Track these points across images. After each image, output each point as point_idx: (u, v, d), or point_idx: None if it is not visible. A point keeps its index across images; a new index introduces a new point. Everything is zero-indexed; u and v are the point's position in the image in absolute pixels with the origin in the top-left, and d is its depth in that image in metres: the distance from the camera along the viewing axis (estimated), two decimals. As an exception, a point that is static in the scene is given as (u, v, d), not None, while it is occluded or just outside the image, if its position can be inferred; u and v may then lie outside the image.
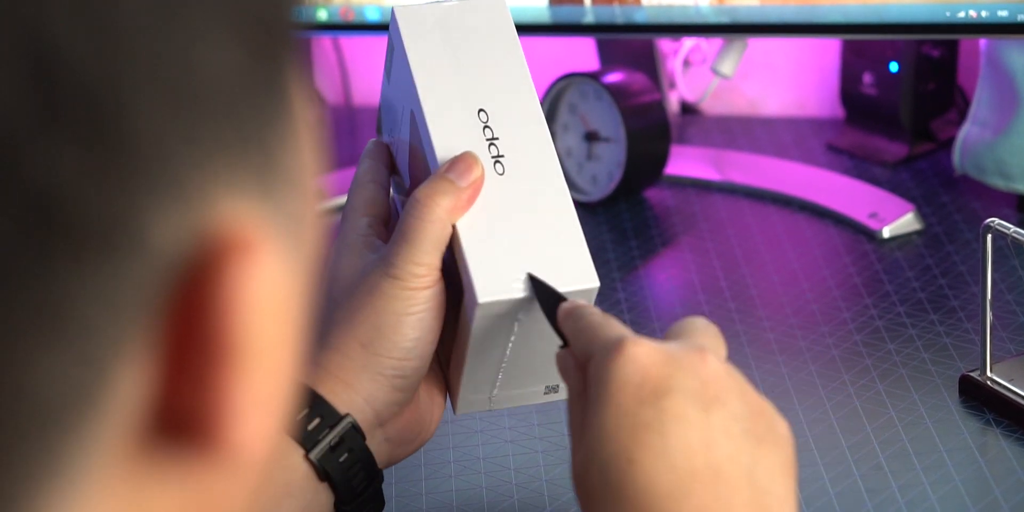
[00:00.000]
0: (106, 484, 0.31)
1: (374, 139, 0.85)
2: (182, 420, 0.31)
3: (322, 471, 0.74)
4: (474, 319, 0.74)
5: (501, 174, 0.77)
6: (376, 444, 0.77)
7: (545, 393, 0.80)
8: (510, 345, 0.76)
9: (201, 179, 0.31)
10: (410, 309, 0.75)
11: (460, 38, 0.80)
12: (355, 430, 0.75)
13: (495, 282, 0.74)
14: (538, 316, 0.74)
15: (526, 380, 0.79)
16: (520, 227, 0.76)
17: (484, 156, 0.77)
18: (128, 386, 0.31)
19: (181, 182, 0.31)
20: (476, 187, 0.76)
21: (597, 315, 0.68)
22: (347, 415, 0.75)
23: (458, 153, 0.77)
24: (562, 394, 0.79)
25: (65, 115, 0.29)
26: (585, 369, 0.66)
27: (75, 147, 0.29)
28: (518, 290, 0.74)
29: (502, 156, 0.78)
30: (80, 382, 0.30)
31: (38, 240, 0.29)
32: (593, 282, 0.75)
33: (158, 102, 0.30)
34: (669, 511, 0.60)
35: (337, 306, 0.77)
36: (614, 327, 0.67)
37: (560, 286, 0.73)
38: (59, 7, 0.29)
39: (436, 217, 0.75)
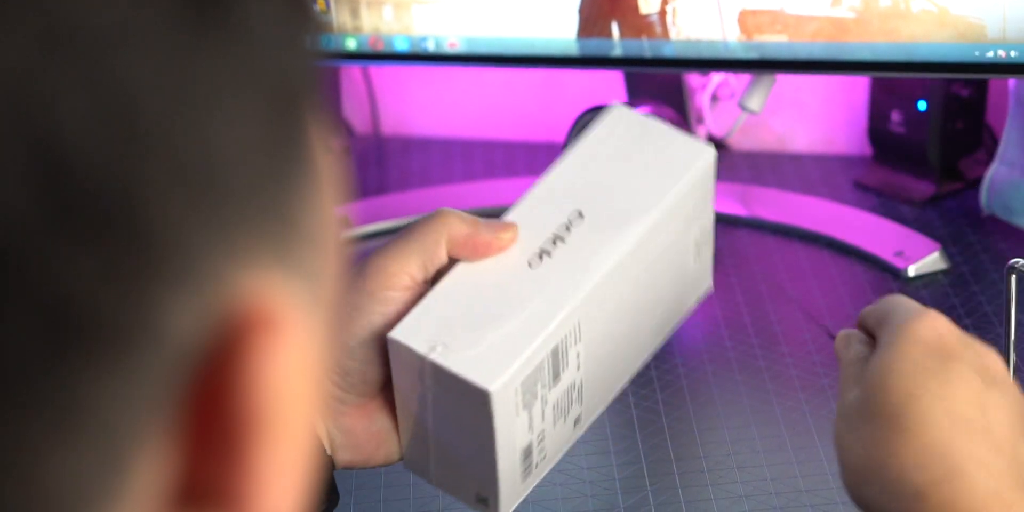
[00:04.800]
0: None
1: None
2: (208, 493, 0.31)
3: None
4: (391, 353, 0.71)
5: (529, 267, 0.73)
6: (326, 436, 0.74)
7: (477, 501, 0.74)
8: (429, 408, 0.72)
9: (220, 262, 0.30)
10: (364, 306, 0.72)
11: (641, 155, 0.78)
12: None
13: (418, 331, 0.70)
14: (447, 400, 0.70)
15: (457, 470, 0.74)
16: (494, 316, 0.71)
17: (536, 241, 0.74)
18: (149, 472, 0.30)
19: (199, 269, 0.29)
20: (491, 246, 0.73)
21: (894, 298, 0.72)
22: None
23: (519, 220, 0.75)
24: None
25: (77, 214, 0.27)
26: (864, 344, 0.70)
27: (88, 246, 0.28)
28: (427, 349, 0.70)
29: (548, 254, 0.74)
30: (100, 476, 0.29)
31: (53, 343, 0.28)
32: (490, 386, 0.69)
33: (173, 190, 0.29)
34: (948, 442, 0.63)
35: None
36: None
37: (462, 374, 0.69)
38: (73, 99, 0.27)
39: (437, 229, 0.72)
